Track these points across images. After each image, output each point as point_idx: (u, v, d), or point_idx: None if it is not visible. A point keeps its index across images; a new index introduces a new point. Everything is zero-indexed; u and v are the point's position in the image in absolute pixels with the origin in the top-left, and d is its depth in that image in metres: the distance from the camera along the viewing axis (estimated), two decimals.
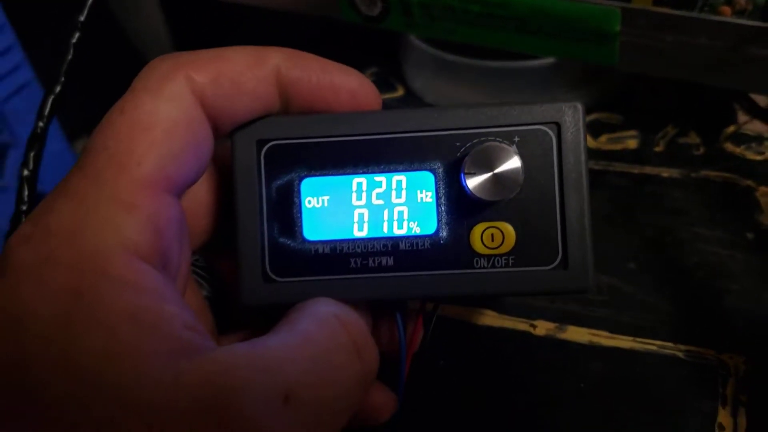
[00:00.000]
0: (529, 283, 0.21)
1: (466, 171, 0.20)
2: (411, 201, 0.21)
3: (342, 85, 0.21)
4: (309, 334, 0.18)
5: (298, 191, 0.22)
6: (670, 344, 0.27)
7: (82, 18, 0.31)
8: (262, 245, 0.21)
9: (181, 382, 0.15)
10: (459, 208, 0.21)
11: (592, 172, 0.33)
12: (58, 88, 0.33)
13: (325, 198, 0.22)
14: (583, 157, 0.21)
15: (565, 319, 0.28)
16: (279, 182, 0.22)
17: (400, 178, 0.21)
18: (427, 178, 0.21)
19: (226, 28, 0.58)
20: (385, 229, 0.22)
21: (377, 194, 0.22)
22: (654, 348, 0.27)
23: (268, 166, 0.22)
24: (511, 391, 0.26)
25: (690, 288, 0.28)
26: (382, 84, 0.40)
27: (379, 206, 0.22)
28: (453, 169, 0.21)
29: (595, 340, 0.27)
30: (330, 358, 0.18)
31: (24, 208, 0.30)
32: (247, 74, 0.20)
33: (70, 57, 0.33)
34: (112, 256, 0.16)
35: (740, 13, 0.33)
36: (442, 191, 0.21)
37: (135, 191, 0.17)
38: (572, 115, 0.21)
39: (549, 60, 0.35)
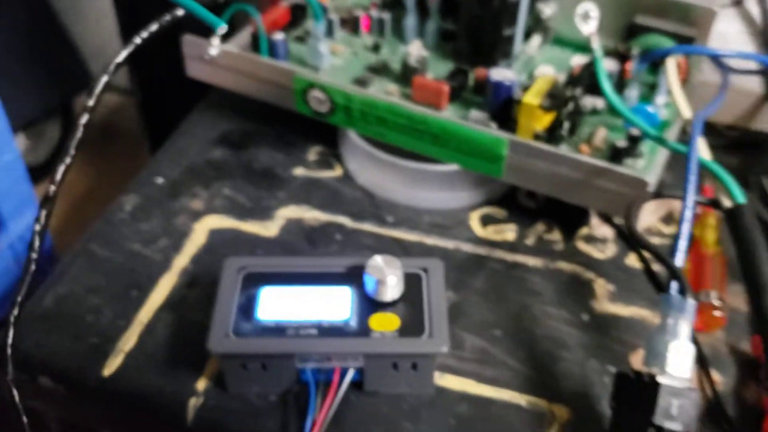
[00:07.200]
0: (409, 346, 0.34)
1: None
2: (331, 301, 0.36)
3: None
4: None
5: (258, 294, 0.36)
6: (517, 394, 0.37)
7: None
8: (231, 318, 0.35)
9: None
10: (364, 304, 0.36)
11: (476, 257, 0.44)
12: (68, 160, 0.41)
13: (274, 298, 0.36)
14: (441, 282, 0.37)
15: (444, 369, 0.38)
16: (248, 291, 0.36)
17: (327, 289, 0.36)
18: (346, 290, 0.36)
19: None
20: (314, 316, 0.35)
21: (309, 296, 0.36)
22: (506, 397, 0.37)
23: (243, 281, 0.36)
24: (402, 420, 0.36)
25: (537, 353, 0.39)
26: (324, 163, 0.50)
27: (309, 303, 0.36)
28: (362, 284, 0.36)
29: (464, 387, 0.37)
30: None
31: (35, 256, 0.39)
32: None
33: (79, 135, 0.41)
34: None
35: (597, 150, 0.44)
36: (355, 296, 0.36)
37: None
38: (435, 264, 0.37)
39: (455, 166, 0.45)
